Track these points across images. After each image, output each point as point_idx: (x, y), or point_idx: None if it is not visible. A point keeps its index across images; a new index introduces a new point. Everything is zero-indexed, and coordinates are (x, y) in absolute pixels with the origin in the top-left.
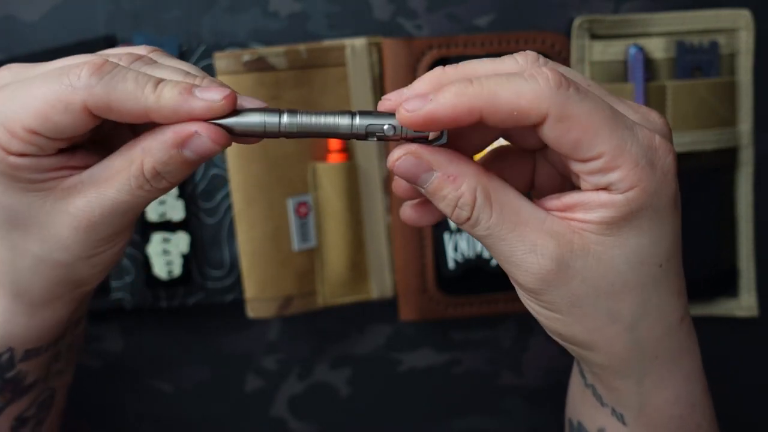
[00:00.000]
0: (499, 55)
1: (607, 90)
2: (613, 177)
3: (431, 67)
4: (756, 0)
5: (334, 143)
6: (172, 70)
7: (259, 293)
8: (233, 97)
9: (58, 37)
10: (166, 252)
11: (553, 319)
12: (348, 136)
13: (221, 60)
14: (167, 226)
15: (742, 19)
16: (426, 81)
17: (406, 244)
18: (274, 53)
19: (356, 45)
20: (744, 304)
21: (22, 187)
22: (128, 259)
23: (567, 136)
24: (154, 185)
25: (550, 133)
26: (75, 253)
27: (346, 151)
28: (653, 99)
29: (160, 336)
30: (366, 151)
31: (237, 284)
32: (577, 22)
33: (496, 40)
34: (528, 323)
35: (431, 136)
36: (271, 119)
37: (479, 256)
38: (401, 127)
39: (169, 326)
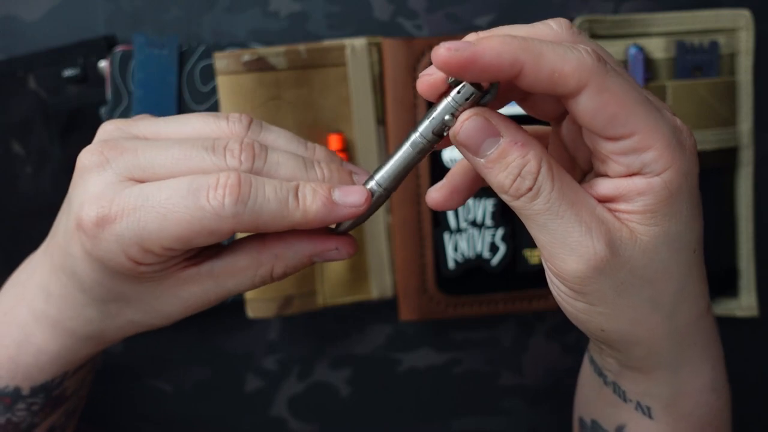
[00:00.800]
0: None
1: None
2: (647, 157)
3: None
4: (756, 0)
5: (334, 143)
6: (284, 156)
7: (259, 293)
8: (370, 195)
9: (58, 37)
10: None
11: (596, 314)
12: (426, 151)
13: (221, 60)
14: None
15: (742, 19)
16: (467, 37)
17: (406, 244)
18: (274, 53)
19: (356, 45)
20: (744, 304)
21: (137, 281)
22: None
23: (604, 110)
24: (275, 280)
25: (587, 103)
26: (172, 321)
27: (347, 151)
28: None
29: (160, 336)
30: (366, 151)
31: None
32: (577, 22)
33: None
34: (528, 323)
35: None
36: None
37: (479, 256)
38: (456, 104)
39: (169, 326)
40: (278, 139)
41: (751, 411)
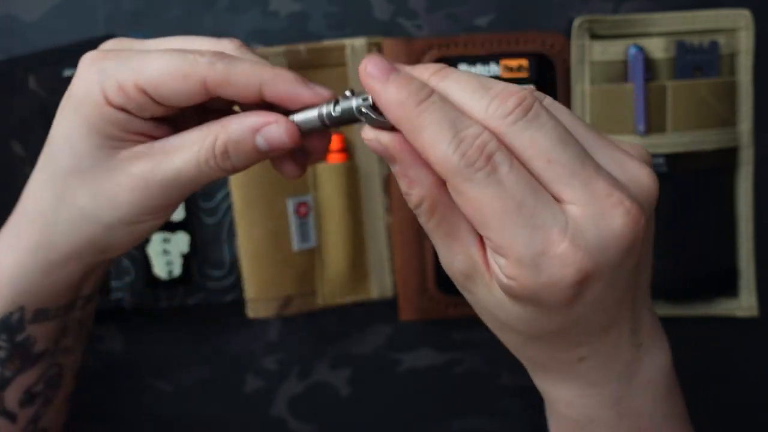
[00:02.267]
0: (499, 55)
1: (578, 157)
2: (499, 261)
3: None
4: (756, 0)
5: (334, 143)
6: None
7: (259, 293)
8: (335, 95)
9: (58, 36)
10: (166, 252)
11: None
12: (351, 119)
13: None
14: (167, 225)
15: (742, 19)
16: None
17: (406, 244)
18: (274, 53)
19: (356, 45)
20: (744, 304)
21: (100, 139)
22: (128, 259)
23: (461, 206)
24: (218, 163)
25: (453, 196)
26: (120, 216)
27: (346, 151)
28: (653, 99)
29: (160, 336)
30: (366, 150)
31: (237, 284)
32: (577, 22)
33: (496, 40)
34: None
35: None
36: (322, 110)
37: None
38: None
39: (169, 326)
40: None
41: (752, 411)
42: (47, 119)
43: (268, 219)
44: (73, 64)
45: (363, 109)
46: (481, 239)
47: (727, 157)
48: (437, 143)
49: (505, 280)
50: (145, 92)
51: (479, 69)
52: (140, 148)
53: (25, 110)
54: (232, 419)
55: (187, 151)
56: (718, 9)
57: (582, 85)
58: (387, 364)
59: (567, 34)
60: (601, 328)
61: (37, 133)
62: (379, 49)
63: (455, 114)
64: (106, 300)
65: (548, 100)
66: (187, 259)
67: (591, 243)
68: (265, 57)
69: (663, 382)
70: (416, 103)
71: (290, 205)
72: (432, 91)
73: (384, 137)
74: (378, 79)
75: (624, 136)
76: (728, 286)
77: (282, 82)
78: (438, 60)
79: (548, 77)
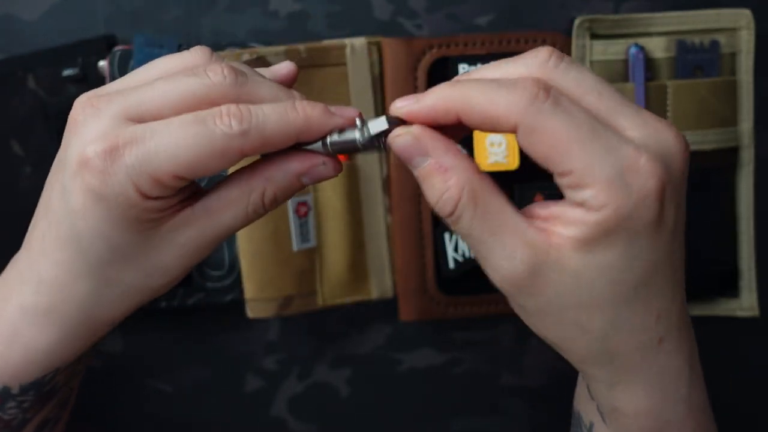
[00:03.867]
0: (499, 55)
1: (620, 95)
2: (585, 194)
3: (431, 66)
4: (756, 0)
5: None
6: (260, 77)
7: (258, 293)
8: (360, 113)
9: (58, 36)
10: None
11: (527, 319)
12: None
13: None
14: None
15: (742, 19)
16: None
17: (406, 244)
18: (274, 53)
19: (356, 45)
20: (745, 304)
21: (138, 226)
22: None
23: (536, 149)
24: (267, 209)
25: (522, 142)
26: (170, 279)
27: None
28: (654, 98)
29: (160, 336)
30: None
31: (237, 284)
32: (577, 21)
33: (497, 40)
34: None
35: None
36: (355, 136)
37: None
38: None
39: (169, 326)
40: (262, 86)
41: (752, 411)
42: (46, 119)
43: (268, 219)
44: (73, 64)
45: (388, 124)
46: (526, 218)
47: (728, 157)
48: (495, 97)
49: (594, 216)
50: (182, 178)
51: None
52: (182, 217)
53: (24, 110)
54: (232, 419)
55: (234, 208)
56: (718, 8)
57: None
58: (387, 364)
59: (567, 34)
60: (676, 281)
61: (37, 132)
62: (379, 48)
63: (494, 77)
64: None
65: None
66: None
67: (660, 157)
68: (264, 57)
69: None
70: (452, 85)
71: (290, 205)
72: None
73: (415, 129)
74: (410, 101)
75: None
76: (729, 286)
77: (315, 127)
78: (438, 60)
79: None
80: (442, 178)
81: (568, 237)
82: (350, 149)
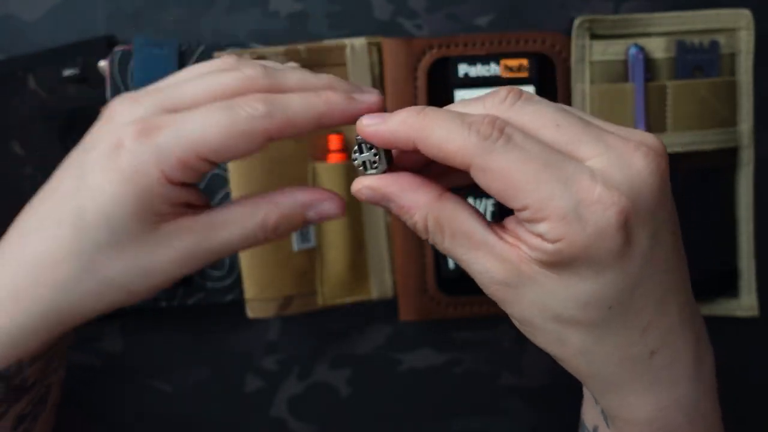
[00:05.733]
0: (499, 55)
1: (582, 122)
2: (541, 228)
3: (431, 66)
4: (756, 0)
5: (334, 143)
6: (291, 69)
7: (258, 293)
8: (383, 100)
9: (58, 36)
10: None
11: (518, 327)
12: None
13: None
14: None
15: (742, 19)
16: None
17: (406, 244)
18: (274, 53)
19: (356, 45)
20: (744, 304)
21: (145, 216)
22: None
23: (490, 187)
24: (268, 236)
25: (475, 179)
26: (150, 285)
27: (346, 151)
28: (653, 99)
29: (160, 336)
30: None
31: (237, 284)
32: (577, 21)
33: (496, 40)
34: None
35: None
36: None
37: None
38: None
39: (169, 326)
40: (293, 74)
41: (752, 411)
42: (46, 119)
43: None
44: (73, 64)
45: (365, 158)
46: (497, 232)
47: (727, 157)
48: (450, 134)
49: (551, 246)
50: (207, 160)
51: (479, 69)
52: (184, 222)
53: (24, 110)
54: (232, 419)
55: (235, 226)
56: (718, 9)
57: (582, 85)
58: (387, 364)
59: (567, 34)
60: (660, 298)
61: (37, 132)
62: (379, 48)
63: (456, 111)
64: None
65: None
66: None
67: (623, 185)
68: (264, 57)
69: (714, 382)
70: (417, 113)
71: None
72: (426, 107)
73: (368, 180)
74: (375, 120)
75: None
76: (728, 286)
77: (338, 110)
78: (438, 60)
79: (548, 77)
80: (408, 216)
81: (532, 258)
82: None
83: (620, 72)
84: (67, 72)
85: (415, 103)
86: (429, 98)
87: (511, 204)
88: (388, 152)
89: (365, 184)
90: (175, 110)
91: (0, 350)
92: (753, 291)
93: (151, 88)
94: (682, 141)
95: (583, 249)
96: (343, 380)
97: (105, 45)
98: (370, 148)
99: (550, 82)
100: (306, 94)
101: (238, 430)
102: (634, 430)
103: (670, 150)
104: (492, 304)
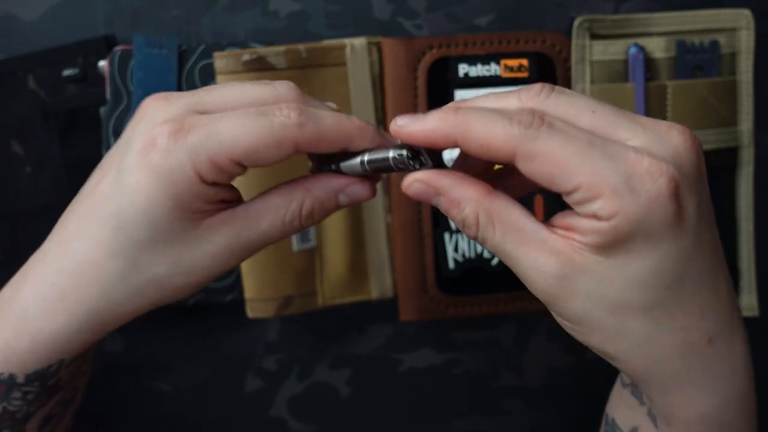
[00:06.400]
0: (499, 55)
1: (616, 109)
2: (595, 206)
3: (431, 66)
4: (756, 0)
5: None
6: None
7: (258, 293)
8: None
9: (58, 36)
10: None
11: (569, 327)
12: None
13: (221, 60)
14: None
15: (742, 19)
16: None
17: (406, 244)
18: (274, 53)
19: (356, 44)
20: (744, 304)
21: (183, 214)
22: None
23: (539, 172)
24: (303, 223)
25: (523, 168)
26: (193, 281)
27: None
28: (654, 99)
29: (160, 336)
30: None
31: (237, 284)
32: (577, 21)
33: (497, 39)
34: (528, 323)
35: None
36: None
37: (479, 256)
38: (393, 162)
39: (169, 326)
40: (321, 106)
41: None
42: (46, 119)
43: None
44: (73, 64)
45: (405, 155)
46: (548, 227)
47: (727, 157)
48: (492, 127)
49: (607, 225)
50: (239, 164)
51: (479, 69)
52: (223, 216)
53: (24, 110)
54: (232, 419)
55: (272, 215)
56: (718, 9)
57: (582, 85)
58: (387, 364)
59: (567, 34)
60: (712, 278)
61: (37, 132)
62: (379, 48)
63: (493, 107)
64: None
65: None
66: None
67: (667, 155)
68: (264, 57)
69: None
70: (454, 111)
71: None
72: (461, 104)
73: (423, 176)
74: (411, 120)
75: None
76: None
77: (368, 136)
78: (438, 60)
79: (549, 77)
80: (458, 210)
81: (587, 244)
82: (384, 168)
83: (620, 72)
84: (67, 72)
85: (415, 103)
86: (429, 98)
87: (562, 187)
88: (431, 151)
89: (417, 177)
90: (207, 112)
91: (46, 351)
92: (753, 291)
93: (185, 92)
94: None
95: (639, 221)
96: (343, 380)
97: (105, 45)
98: (412, 153)
99: (550, 82)
100: (339, 115)
101: (238, 430)
102: (692, 429)
103: None
104: (492, 303)
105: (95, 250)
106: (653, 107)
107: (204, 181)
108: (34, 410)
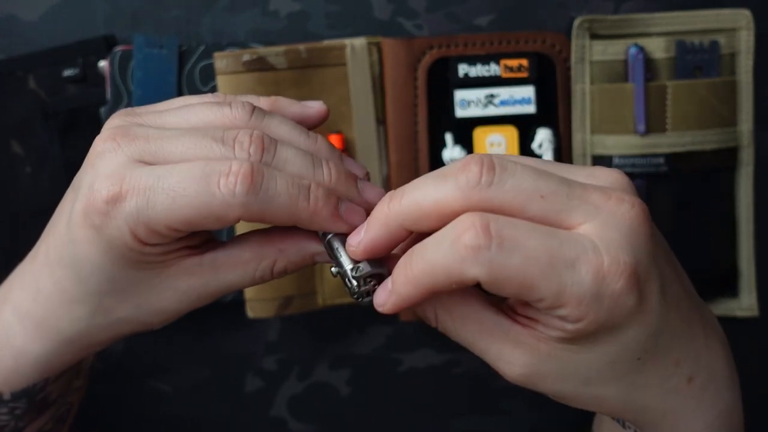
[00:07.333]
0: (499, 55)
1: (563, 182)
2: (560, 312)
3: (431, 66)
4: (756, 0)
5: (334, 142)
6: (293, 152)
7: (258, 293)
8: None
9: (58, 36)
10: None
11: (553, 398)
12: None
13: (221, 60)
14: None
15: (742, 19)
16: (373, 221)
17: (406, 244)
18: (274, 53)
19: (356, 45)
20: (744, 304)
21: (140, 266)
22: None
23: (503, 290)
24: (274, 277)
25: (488, 287)
26: (164, 319)
27: (346, 151)
28: (653, 99)
29: (160, 336)
30: (366, 151)
31: None
32: (577, 21)
33: (496, 39)
34: None
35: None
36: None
37: None
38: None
39: (168, 326)
40: (281, 125)
41: (751, 411)
42: (46, 119)
43: None
44: (73, 64)
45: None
46: (509, 315)
47: (727, 157)
48: (437, 255)
49: (572, 327)
50: (178, 230)
51: (479, 69)
52: (188, 264)
53: (24, 110)
54: (232, 419)
55: (241, 269)
56: (718, 9)
57: (582, 85)
58: (387, 365)
59: (567, 34)
60: (683, 328)
61: (37, 132)
62: (379, 48)
63: (431, 199)
64: None
65: (496, 154)
66: None
67: (622, 244)
68: (264, 57)
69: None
70: (416, 275)
71: None
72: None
73: (388, 301)
74: (357, 242)
75: (624, 136)
76: (728, 286)
77: (317, 223)
78: (438, 60)
79: (548, 77)
80: (419, 309)
81: (552, 336)
82: (336, 264)
83: (620, 72)
84: (67, 72)
85: (415, 103)
86: (429, 98)
87: (526, 298)
88: (368, 262)
89: (386, 303)
90: (154, 161)
91: (28, 371)
92: (753, 291)
93: (142, 121)
94: (682, 141)
95: (604, 322)
96: (343, 380)
97: (105, 45)
98: (354, 271)
99: (550, 82)
100: (296, 193)
101: (238, 430)
102: None
103: (670, 150)
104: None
105: (59, 292)
106: (653, 107)
107: (146, 243)
108: (24, 425)
